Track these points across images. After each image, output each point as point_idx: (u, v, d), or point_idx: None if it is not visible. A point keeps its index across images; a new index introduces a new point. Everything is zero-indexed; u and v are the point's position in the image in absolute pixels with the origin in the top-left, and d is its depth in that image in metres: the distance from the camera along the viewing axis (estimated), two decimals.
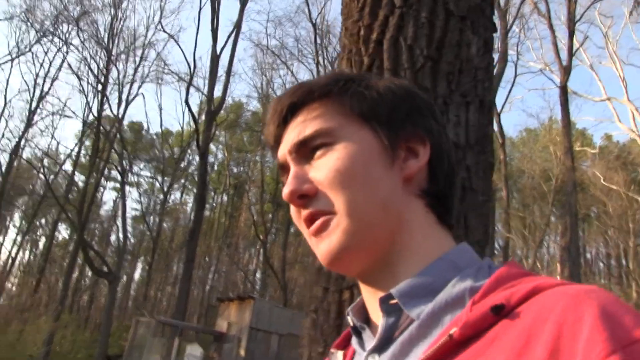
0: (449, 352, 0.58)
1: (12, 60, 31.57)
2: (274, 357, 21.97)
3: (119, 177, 44.98)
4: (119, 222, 41.84)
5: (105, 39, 30.05)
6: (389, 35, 1.83)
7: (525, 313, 0.57)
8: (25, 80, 63.83)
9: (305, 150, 0.77)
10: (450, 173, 0.81)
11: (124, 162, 30.45)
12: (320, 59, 28.42)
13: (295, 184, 0.75)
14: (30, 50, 32.42)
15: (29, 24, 31.80)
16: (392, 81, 0.84)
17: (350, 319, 0.78)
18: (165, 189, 39.38)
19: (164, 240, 43.17)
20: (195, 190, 49.64)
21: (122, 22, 31.45)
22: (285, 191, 0.75)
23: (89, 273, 45.97)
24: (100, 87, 29.10)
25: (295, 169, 0.77)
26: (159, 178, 41.82)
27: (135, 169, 39.72)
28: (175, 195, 47.47)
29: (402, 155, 0.77)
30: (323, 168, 0.74)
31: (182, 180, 45.17)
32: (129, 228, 38.53)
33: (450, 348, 0.58)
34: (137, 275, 51.11)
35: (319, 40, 28.67)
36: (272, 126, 0.82)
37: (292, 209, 0.78)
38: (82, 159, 38.62)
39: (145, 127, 46.60)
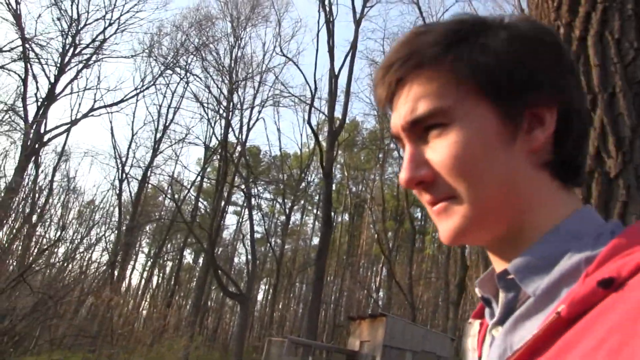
0: (558, 330, 0.56)
1: (137, 94, 33.19)
2: None
3: (239, 201, 46.43)
4: (243, 244, 42.95)
5: (226, 67, 31.04)
6: (593, 32, 1.78)
7: (636, 286, 0.53)
8: (149, 112, 66.99)
9: (419, 128, 0.70)
10: (582, 133, 0.72)
11: (249, 185, 31.08)
12: None
13: (411, 169, 0.70)
14: (154, 83, 33.93)
15: (152, 59, 33.41)
16: (515, 29, 0.71)
17: (477, 291, 0.74)
18: (287, 210, 39.85)
19: (286, 261, 43.71)
20: (315, 211, 50.21)
21: (241, 50, 32.45)
22: (402, 177, 0.71)
23: (214, 295, 47.46)
24: (223, 113, 30.00)
25: (410, 150, 0.72)
26: (280, 200, 42.53)
27: (255, 191, 40.48)
28: (296, 217, 48.02)
29: (525, 126, 0.69)
30: (439, 151, 0.69)
31: (302, 202, 45.66)
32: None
33: (559, 325, 0.56)
34: (259, 296, 52.09)
35: None
36: (380, 91, 0.74)
37: (405, 187, 0.73)
38: (205, 185, 39.98)
39: (265, 150, 47.70)
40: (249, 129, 31.77)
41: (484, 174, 0.67)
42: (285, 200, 40.92)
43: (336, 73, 26.94)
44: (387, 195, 39.73)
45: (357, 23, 28.65)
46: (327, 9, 28.30)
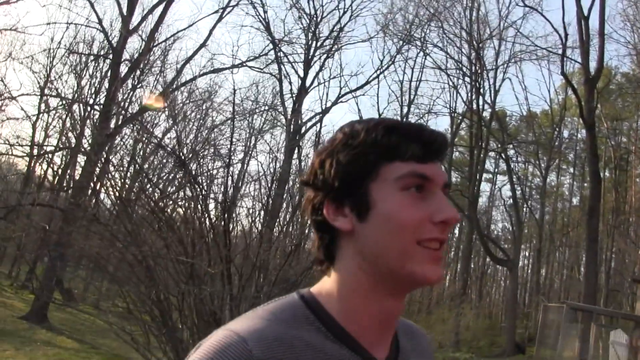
0: None
1: (378, 75, 33.76)
2: None
3: (490, 168, 45.31)
4: (505, 209, 41.93)
5: (465, 29, 30.34)
6: None
7: None
8: (392, 90, 68.24)
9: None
10: None
11: (506, 148, 30.10)
12: None
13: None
14: (393, 62, 34.21)
15: (387, 38, 33.79)
16: None
17: None
18: (543, 171, 37.91)
19: (546, 224, 41.69)
20: (571, 170, 47.21)
21: (477, 10, 31.47)
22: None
23: (472, 264, 46.97)
24: (469, 77, 29.40)
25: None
26: (533, 161, 40.69)
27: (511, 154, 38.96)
28: (551, 177, 45.55)
29: None
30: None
31: (557, 161, 43.10)
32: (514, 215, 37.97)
33: None
34: (520, 262, 50.45)
35: None
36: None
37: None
38: (456, 154, 39.62)
39: (512, 111, 45.81)
40: (496, 91, 30.73)
41: None
42: (540, 161, 39.01)
43: (585, 14, 24.74)
44: None
45: None
46: None
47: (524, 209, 39.44)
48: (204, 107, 24.61)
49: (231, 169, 10.32)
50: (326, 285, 0.95)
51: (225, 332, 0.85)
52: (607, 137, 40.03)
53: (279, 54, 28.67)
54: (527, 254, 47.30)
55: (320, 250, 0.96)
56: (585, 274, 23.54)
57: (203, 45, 23.82)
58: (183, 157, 7.66)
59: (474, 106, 30.19)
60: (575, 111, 37.15)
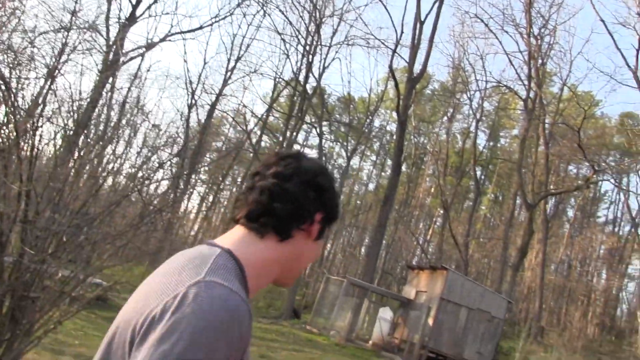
0: None
1: (213, 23, 32.77)
2: (460, 330, 21.63)
3: (299, 140, 46.44)
4: None
5: (310, 1, 30.51)
6: None
7: None
8: (223, 42, 67.35)
9: None
10: None
11: (322, 124, 30.85)
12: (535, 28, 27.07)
13: None
14: (231, 14, 33.40)
15: None
16: None
17: None
18: (349, 153, 39.69)
19: (342, 204, 43.84)
20: (374, 158, 50.10)
21: None
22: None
23: None
24: (304, 48, 29.65)
25: None
26: (342, 142, 42.39)
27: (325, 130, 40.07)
28: (354, 161, 47.91)
29: None
30: None
31: (363, 147, 45.40)
32: None
33: None
34: None
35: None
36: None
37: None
38: (271, 118, 40.03)
39: (331, 91, 47.18)
40: (325, 67, 31.44)
41: None
42: (347, 143, 40.77)
43: (422, 19, 26.27)
44: (450, 151, 39.23)
45: None
46: None
47: None
48: (12, 7, 22.12)
49: (48, 83, 9.38)
50: (257, 253, 1.22)
51: (225, 289, 1.05)
52: (412, 135, 43.02)
53: None
54: None
55: (289, 222, 1.24)
56: (367, 254, 25.25)
57: None
58: None
59: (301, 77, 30.69)
60: (390, 104, 39.38)
